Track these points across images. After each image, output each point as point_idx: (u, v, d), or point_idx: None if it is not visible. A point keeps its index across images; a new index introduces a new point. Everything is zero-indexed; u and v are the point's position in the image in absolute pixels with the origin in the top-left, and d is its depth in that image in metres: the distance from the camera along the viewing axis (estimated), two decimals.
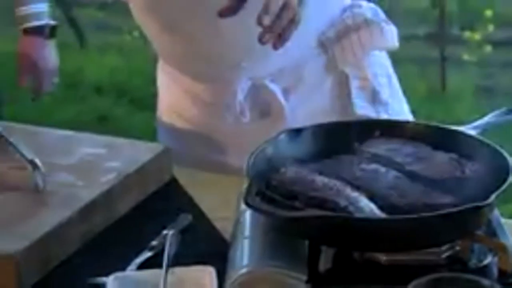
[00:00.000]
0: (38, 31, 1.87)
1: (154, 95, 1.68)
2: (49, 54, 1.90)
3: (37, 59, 1.88)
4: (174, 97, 1.55)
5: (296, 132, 1.11)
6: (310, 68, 1.44)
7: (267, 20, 1.02)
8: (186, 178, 1.32)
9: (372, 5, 1.50)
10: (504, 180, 0.91)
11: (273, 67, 1.39)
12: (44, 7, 1.87)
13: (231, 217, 1.10)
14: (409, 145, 1.07)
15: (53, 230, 1.05)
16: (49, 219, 1.07)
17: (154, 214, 1.21)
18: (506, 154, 0.99)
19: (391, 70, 1.53)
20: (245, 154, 1.03)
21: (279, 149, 1.08)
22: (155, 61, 1.64)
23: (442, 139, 1.09)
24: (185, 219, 1.15)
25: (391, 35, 1.48)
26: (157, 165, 1.30)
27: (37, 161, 1.19)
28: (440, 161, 1.03)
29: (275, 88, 1.41)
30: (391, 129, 1.14)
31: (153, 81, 1.68)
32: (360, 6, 1.49)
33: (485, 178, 0.97)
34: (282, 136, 1.10)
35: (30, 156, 1.20)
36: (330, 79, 1.46)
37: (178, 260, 0.98)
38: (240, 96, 1.41)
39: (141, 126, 3.61)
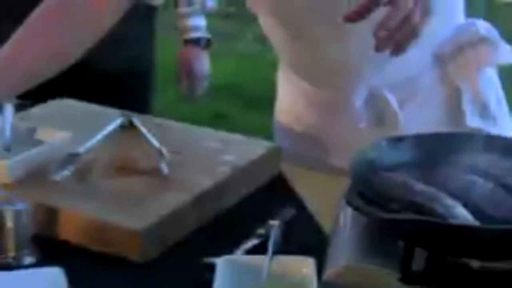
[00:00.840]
0: (196, 42, 1.98)
1: (268, 97, 1.67)
2: (204, 62, 2.02)
3: (194, 66, 2.01)
4: (293, 101, 1.55)
5: (398, 140, 1.10)
6: (425, 81, 1.41)
7: (382, 33, 0.99)
8: (294, 175, 1.31)
9: (486, 23, 1.46)
10: None
11: (391, 78, 1.37)
12: (201, 22, 1.99)
13: (332, 214, 1.09)
14: (508, 159, 1.03)
15: (172, 212, 1.05)
16: (169, 202, 1.08)
17: (261, 205, 1.20)
18: None
19: (499, 86, 1.50)
20: None
21: (381, 154, 1.06)
22: (271, 65, 1.63)
23: None
24: (289, 212, 1.14)
25: (505, 52, 1.43)
26: (266, 161, 1.29)
27: (163, 149, 1.21)
28: None
29: (391, 98, 1.39)
30: (491, 142, 1.10)
31: (268, 83, 1.68)
32: (474, 24, 1.45)
33: None
34: (384, 142, 1.08)
35: (157, 144, 1.23)
36: (443, 92, 1.42)
37: (281, 248, 0.97)
38: (358, 104, 1.39)
39: (255, 125, 3.62)
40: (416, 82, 1.41)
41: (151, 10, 1.89)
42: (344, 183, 1.00)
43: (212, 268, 0.95)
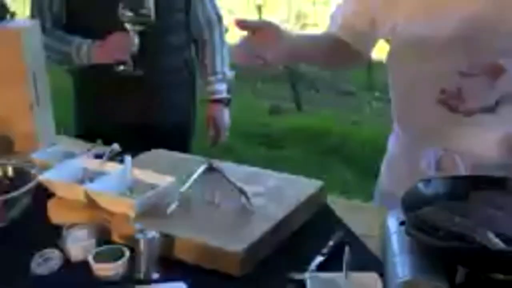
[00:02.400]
0: (220, 101, 2.04)
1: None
2: (226, 117, 2.08)
3: (218, 120, 2.07)
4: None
5: (430, 181, 1.14)
6: None
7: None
8: (336, 204, 1.35)
9: None
10: None
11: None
12: (223, 86, 2.04)
13: (375, 236, 1.14)
14: None
15: (258, 238, 1.12)
16: (255, 229, 1.14)
17: (316, 229, 1.24)
18: None
19: None
20: None
21: (424, 190, 1.11)
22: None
23: None
24: (338, 235, 1.18)
25: None
26: (317, 196, 1.33)
27: (244, 188, 1.25)
28: None
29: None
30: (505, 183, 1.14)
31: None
32: None
33: None
34: (421, 183, 1.12)
35: (239, 184, 1.27)
36: None
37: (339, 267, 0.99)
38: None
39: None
40: None
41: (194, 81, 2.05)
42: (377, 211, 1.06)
43: (293, 281, 1.02)
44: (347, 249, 1.00)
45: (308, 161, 3.98)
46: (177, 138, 1.97)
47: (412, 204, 1.05)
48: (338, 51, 1.44)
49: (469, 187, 1.12)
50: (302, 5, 10.27)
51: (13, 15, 1.56)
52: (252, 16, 6.45)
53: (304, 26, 8.92)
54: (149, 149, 1.55)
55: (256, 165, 1.51)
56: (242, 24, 1.18)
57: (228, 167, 1.39)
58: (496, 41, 1.20)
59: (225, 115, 2.05)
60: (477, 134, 1.29)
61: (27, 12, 1.94)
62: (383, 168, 1.56)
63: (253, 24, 1.23)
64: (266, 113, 4.84)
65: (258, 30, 1.20)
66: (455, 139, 1.33)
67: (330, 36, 1.44)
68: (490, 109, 1.17)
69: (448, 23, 1.22)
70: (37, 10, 1.84)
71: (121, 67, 1.74)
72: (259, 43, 1.18)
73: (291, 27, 7.72)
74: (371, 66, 5.17)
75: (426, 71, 1.28)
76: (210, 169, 1.37)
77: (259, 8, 6.88)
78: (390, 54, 1.41)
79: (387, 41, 1.43)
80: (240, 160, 1.60)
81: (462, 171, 1.31)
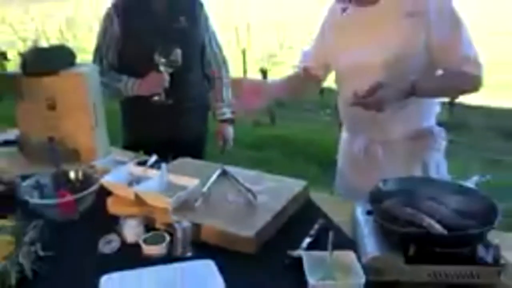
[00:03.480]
0: (226, 121, 1.99)
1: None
2: (231, 132, 2.02)
3: (225, 134, 2.01)
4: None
5: (386, 181, 1.10)
6: None
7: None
8: (318, 199, 1.30)
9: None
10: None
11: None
12: (228, 110, 1.97)
13: (346, 221, 1.12)
14: (452, 195, 1.05)
15: (264, 225, 1.08)
16: (259, 219, 1.10)
17: (304, 217, 1.20)
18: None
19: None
20: None
21: (384, 188, 1.09)
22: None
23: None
24: (321, 221, 1.13)
25: None
26: (304, 192, 1.28)
27: (251, 188, 1.22)
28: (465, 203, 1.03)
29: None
30: (443, 184, 1.11)
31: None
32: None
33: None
34: (382, 183, 1.09)
35: (246, 185, 1.23)
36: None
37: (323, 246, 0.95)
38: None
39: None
40: None
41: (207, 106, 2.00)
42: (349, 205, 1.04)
43: (290, 257, 0.97)
44: (331, 233, 0.95)
45: (282, 160, 3.93)
46: (196, 148, 1.92)
47: (375, 198, 1.04)
48: (301, 84, 1.53)
49: (414, 185, 1.09)
50: (272, 48, 10.32)
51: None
52: (237, 55, 6.39)
53: (274, 63, 8.93)
54: (176, 157, 1.50)
55: (246, 164, 1.46)
56: (237, 84, 1.25)
57: (236, 171, 1.36)
58: (409, 67, 1.23)
59: (230, 130, 2.00)
60: (391, 127, 1.31)
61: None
62: (340, 164, 1.53)
63: (245, 84, 1.33)
64: (251, 126, 4.83)
65: (248, 86, 1.32)
66: (377, 131, 1.34)
67: (294, 75, 1.53)
68: (401, 106, 1.19)
69: (376, 53, 1.25)
70: (98, 58, 1.79)
71: (156, 98, 1.70)
72: (248, 99, 1.30)
73: (264, 63, 7.71)
74: (323, 90, 5.24)
75: (358, 84, 1.25)
76: (224, 173, 1.35)
77: (243, 52, 6.85)
78: (337, 76, 1.44)
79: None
80: (234, 161, 1.55)
81: (380, 155, 1.34)
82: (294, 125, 4.96)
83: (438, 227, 0.92)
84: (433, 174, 1.34)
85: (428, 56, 1.23)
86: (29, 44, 9.63)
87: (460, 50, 1.22)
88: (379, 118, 1.24)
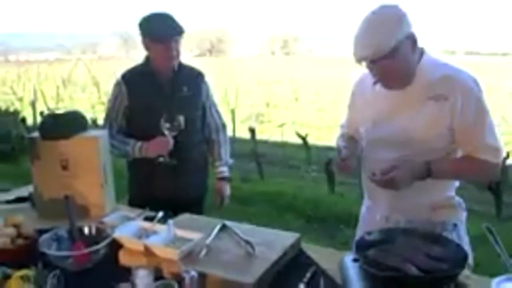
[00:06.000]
0: (223, 179, 2.06)
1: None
2: (228, 189, 2.07)
3: (223, 192, 2.06)
4: None
5: (370, 233, 1.18)
6: None
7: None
8: (308, 248, 1.36)
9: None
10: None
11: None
12: (226, 169, 2.04)
13: (334, 269, 1.17)
14: (427, 244, 1.12)
15: (263, 272, 1.15)
16: (258, 267, 1.16)
17: (296, 265, 1.26)
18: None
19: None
20: None
21: (368, 238, 1.15)
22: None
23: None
24: (313, 269, 1.18)
25: None
26: (296, 243, 1.35)
27: (250, 240, 1.28)
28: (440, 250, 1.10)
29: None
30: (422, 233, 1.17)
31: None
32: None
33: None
34: (366, 234, 1.17)
35: (245, 238, 1.30)
36: None
37: None
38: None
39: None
40: None
41: (207, 166, 2.09)
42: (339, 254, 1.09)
43: None
44: (322, 279, 1.03)
45: (269, 214, 3.95)
46: (197, 203, 2.00)
47: (361, 247, 1.12)
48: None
49: (396, 235, 1.16)
50: (260, 108, 10.63)
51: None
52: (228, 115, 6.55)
53: (261, 122, 9.17)
54: (179, 213, 1.56)
55: (234, 218, 1.48)
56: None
57: (234, 226, 1.42)
58: (431, 145, 1.26)
59: (227, 188, 2.06)
60: (411, 198, 1.31)
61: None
62: (361, 232, 1.48)
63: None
64: (239, 181, 4.87)
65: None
66: (396, 201, 1.35)
67: (347, 136, 1.53)
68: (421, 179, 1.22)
69: (400, 131, 1.29)
70: (108, 122, 1.91)
71: (161, 159, 1.80)
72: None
73: (252, 122, 7.94)
74: (309, 148, 5.39)
75: (380, 157, 1.33)
76: (224, 227, 1.42)
77: (232, 111, 7.09)
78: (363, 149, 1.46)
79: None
80: (224, 214, 1.59)
81: (402, 224, 1.35)
82: (281, 180, 5.03)
83: (414, 270, 1.00)
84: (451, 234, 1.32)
85: (450, 138, 1.25)
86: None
87: (482, 138, 1.22)
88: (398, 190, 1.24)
